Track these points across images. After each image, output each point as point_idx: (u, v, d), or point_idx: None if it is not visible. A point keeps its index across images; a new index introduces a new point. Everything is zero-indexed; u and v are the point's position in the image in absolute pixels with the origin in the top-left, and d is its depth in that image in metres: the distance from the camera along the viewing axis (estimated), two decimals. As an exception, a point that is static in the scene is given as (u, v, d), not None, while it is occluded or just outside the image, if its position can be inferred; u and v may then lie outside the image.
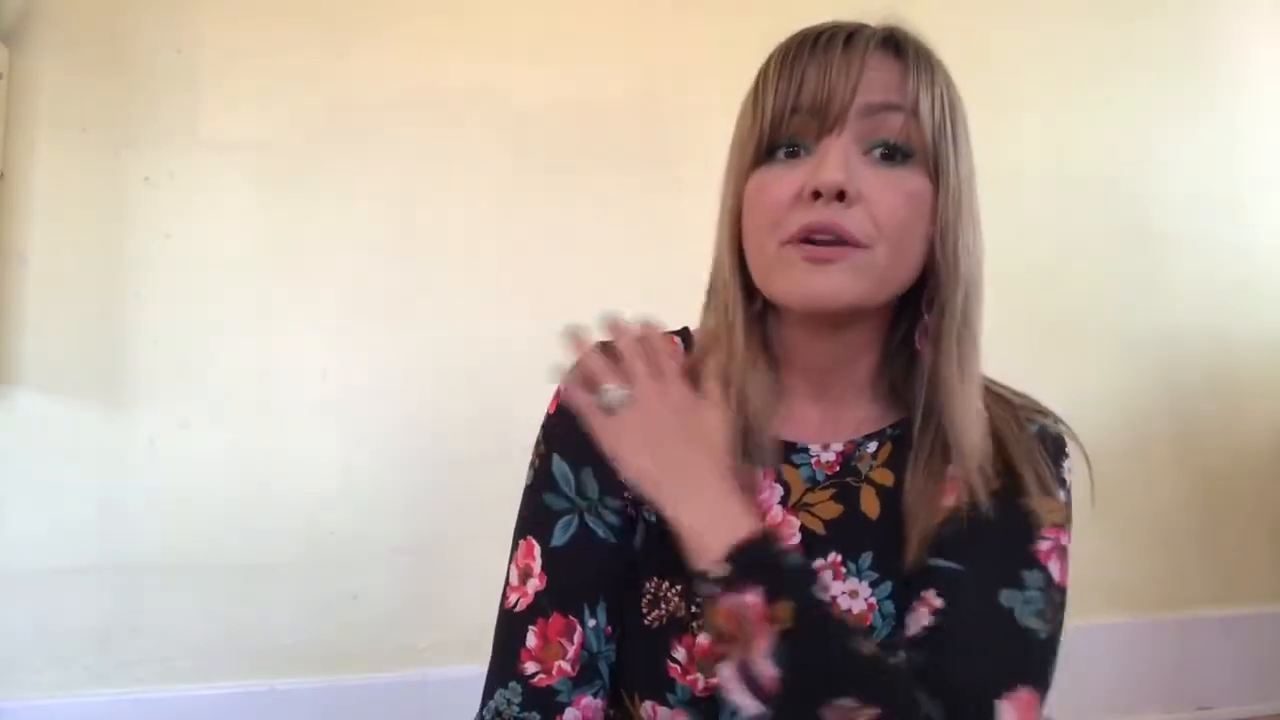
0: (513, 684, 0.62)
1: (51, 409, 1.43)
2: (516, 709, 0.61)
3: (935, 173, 0.59)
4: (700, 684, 0.61)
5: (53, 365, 1.44)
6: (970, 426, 0.58)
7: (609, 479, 0.63)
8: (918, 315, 0.62)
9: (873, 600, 0.60)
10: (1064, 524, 0.59)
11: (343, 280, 1.52)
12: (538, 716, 0.61)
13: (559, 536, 0.63)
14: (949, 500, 0.59)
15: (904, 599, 0.59)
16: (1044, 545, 0.57)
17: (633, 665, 0.63)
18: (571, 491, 0.64)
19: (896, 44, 0.60)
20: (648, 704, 0.62)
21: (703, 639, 0.61)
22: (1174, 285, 1.76)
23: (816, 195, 0.55)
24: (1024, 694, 0.52)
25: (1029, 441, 0.61)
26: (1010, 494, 0.58)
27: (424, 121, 1.54)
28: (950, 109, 0.60)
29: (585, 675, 0.62)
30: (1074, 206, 1.74)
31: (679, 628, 0.62)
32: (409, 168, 1.54)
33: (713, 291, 0.66)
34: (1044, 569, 0.57)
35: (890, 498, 0.61)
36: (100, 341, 1.45)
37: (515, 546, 0.65)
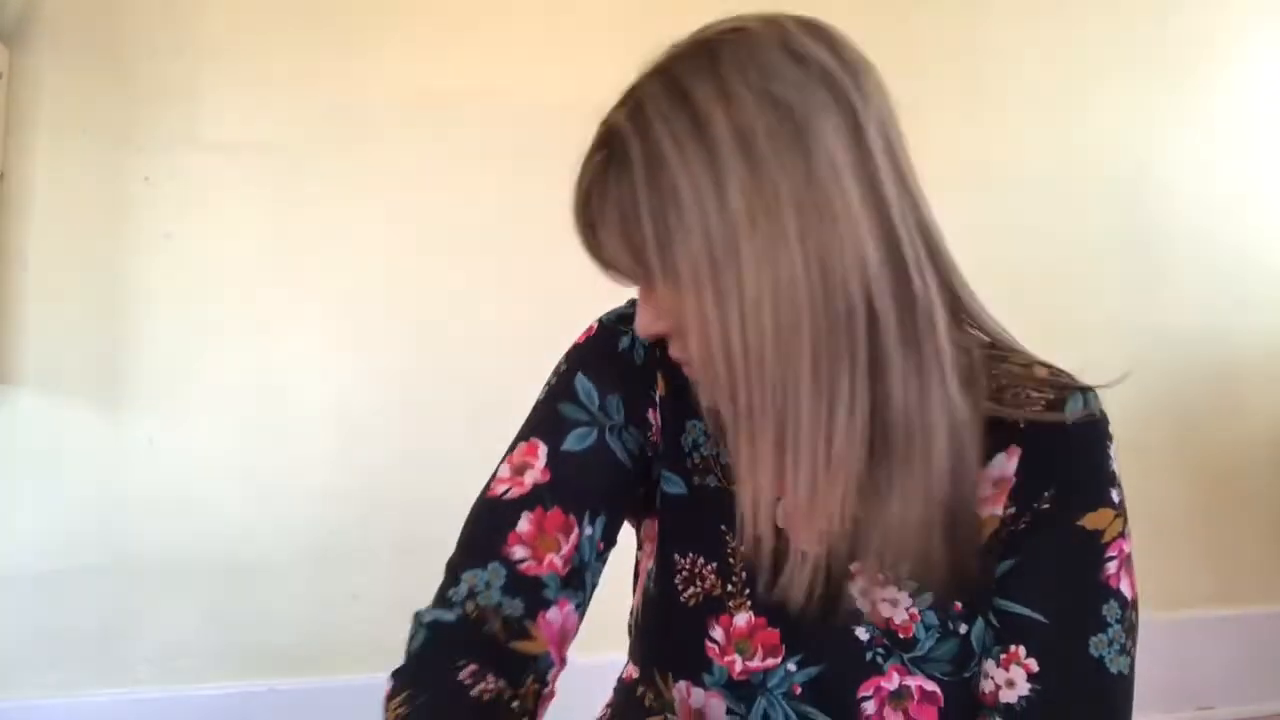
0: (494, 565, 0.56)
1: (51, 409, 1.43)
2: (498, 592, 0.55)
3: (687, 283, 0.52)
4: (738, 666, 0.59)
5: (53, 365, 1.44)
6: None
7: (637, 414, 0.63)
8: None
9: (914, 611, 0.58)
10: (1123, 531, 0.57)
11: (343, 280, 1.52)
12: (520, 605, 0.55)
13: (572, 443, 0.61)
14: (994, 508, 0.57)
15: (947, 612, 0.58)
16: (1111, 567, 0.56)
17: (667, 643, 0.62)
18: (594, 407, 0.62)
19: (608, 165, 0.54)
20: (682, 684, 0.61)
21: (739, 619, 0.60)
22: (1174, 285, 1.76)
23: None
24: None
25: (1072, 441, 0.57)
26: (1065, 514, 0.56)
27: (424, 121, 1.54)
28: (650, 203, 0.51)
29: (573, 580, 0.58)
30: (1074, 206, 1.74)
31: (717, 607, 0.60)
32: (409, 167, 1.54)
33: None
34: (1117, 594, 0.56)
35: None
36: (100, 341, 1.45)
37: (512, 447, 0.63)
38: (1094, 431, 0.58)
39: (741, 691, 0.59)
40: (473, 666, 0.51)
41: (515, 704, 0.51)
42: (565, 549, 0.57)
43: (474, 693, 0.50)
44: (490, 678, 0.51)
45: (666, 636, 0.62)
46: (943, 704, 0.57)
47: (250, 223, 1.50)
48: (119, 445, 1.44)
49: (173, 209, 1.48)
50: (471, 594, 0.55)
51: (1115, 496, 0.57)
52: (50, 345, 1.44)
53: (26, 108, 1.45)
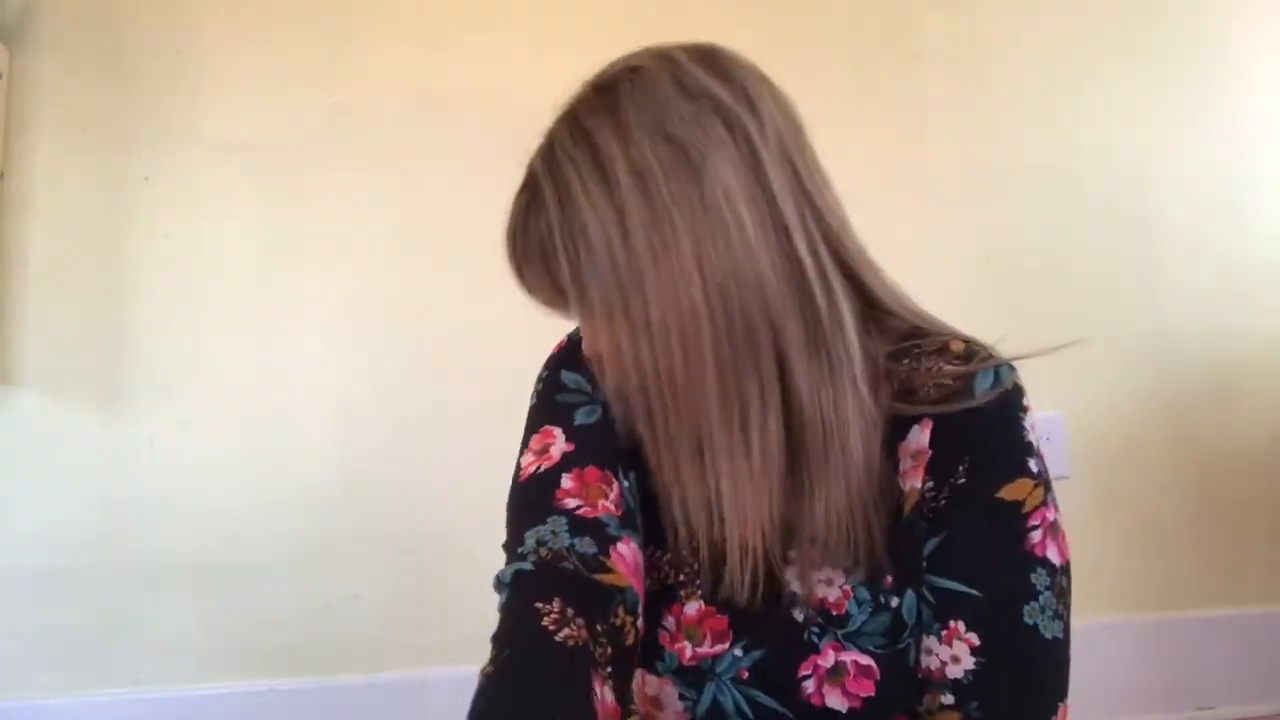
0: (553, 518, 0.58)
1: (51, 409, 1.43)
2: (565, 535, 0.56)
3: (598, 319, 0.59)
4: (688, 652, 0.62)
5: (53, 365, 1.44)
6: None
7: None
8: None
9: (846, 588, 0.60)
10: (1045, 499, 0.58)
11: (343, 279, 1.52)
12: (591, 542, 0.56)
13: (582, 418, 0.64)
14: (914, 481, 0.59)
15: (878, 587, 0.60)
16: (1035, 536, 0.58)
17: None
18: (588, 390, 0.66)
19: (529, 208, 0.61)
20: (638, 672, 0.63)
21: (690, 608, 0.62)
22: (1174, 285, 1.76)
23: None
24: (1061, 708, 0.57)
25: (985, 415, 0.58)
26: (982, 487, 0.58)
27: (424, 121, 1.54)
28: (561, 230, 0.57)
29: (629, 521, 0.60)
30: (1074, 207, 1.74)
31: (669, 595, 0.63)
32: (409, 167, 1.54)
33: None
34: (1043, 561, 0.57)
35: None
36: (100, 341, 1.45)
37: (525, 444, 0.65)
38: (1005, 404, 0.59)
39: (692, 677, 0.61)
40: (556, 608, 0.52)
41: (599, 650, 0.52)
42: (612, 495, 0.60)
43: (559, 638, 0.51)
44: (575, 621, 0.52)
45: None
46: (878, 676, 0.59)
47: (250, 223, 1.50)
48: (119, 445, 1.44)
49: (173, 209, 1.48)
50: (541, 543, 0.56)
51: (1034, 466, 0.59)
52: (50, 345, 1.44)
53: (26, 108, 1.45)
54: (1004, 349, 0.63)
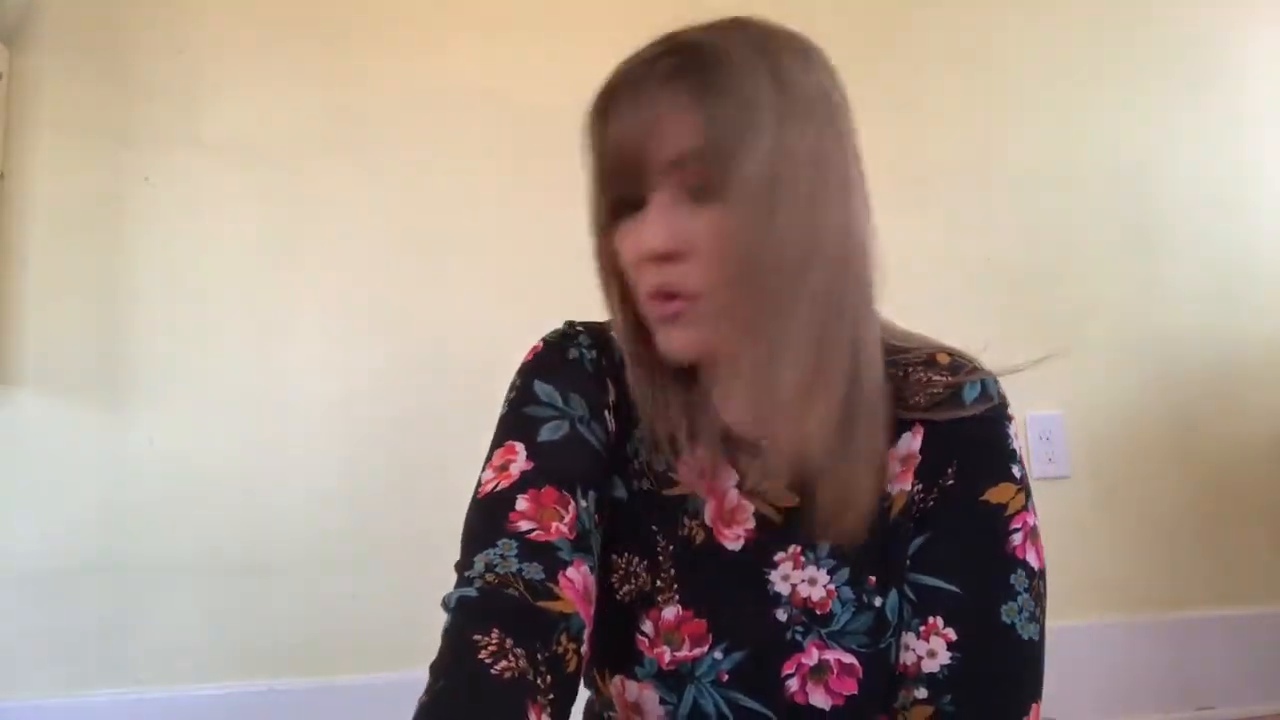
0: (503, 541, 0.56)
1: (51, 409, 1.43)
2: (514, 560, 0.55)
3: (741, 196, 0.56)
4: (667, 657, 0.62)
5: (53, 365, 1.44)
6: (793, 427, 0.58)
7: (597, 409, 0.65)
8: None
9: (831, 587, 0.61)
10: (1026, 504, 0.60)
11: (342, 280, 1.52)
12: (539, 567, 0.55)
13: (547, 434, 0.63)
14: (903, 484, 0.61)
15: (862, 586, 0.61)
16: (1016, 539, 0.59)
17: (605, 640, 0.63)
18: (559, 404, 0.65)
19: (689, 71, 0.56)
20: (617, 679, 0.63)
21: (667, 613, 0.62)
22: (1174, 285, 1.76)
23: None
24: (1034, 708, 0.57)
25: (971, 422, 0.61)
26: (968, 490, 0.60)
27: (424, 121, 1.54)
28: (740, 121, 0.55)
29: (581, 544, 0.59)
30: (1074, 206, 1.74)
31: (647, 602, 0.63)
32: (409, 167, 1.54)
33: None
34: (1023, 564, 0.59)
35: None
36: (100, 341, 1.45)
37: (489, 458, 0.64)
38: (991, 413, 0.62)
39: (671, 681, 0.61)
40: (495, 640, 0.51)
41: (540, 679, 0.51)
42: (568, 518, 0.59)
43: (495, 670, 0.50)
44: (513, 653, 0.51)
45: (603, 634, 0.63)
46: (861, 675, 0.59)
47: (250, 223, 1.50)
48: (119, 445, 1.44)
49: (173, 209, 1.48)
50: (489, 568, 0.55)
51: (1016, 472, 0.61)
52: (50, 345, 1.44)
53: (26, 108, 1.45)
54: (987, 358, 0.65)
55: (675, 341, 0.60)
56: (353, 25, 1.54)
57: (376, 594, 1.48)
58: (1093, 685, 1.61)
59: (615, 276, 0.63)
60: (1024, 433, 1.62)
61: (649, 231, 0.57)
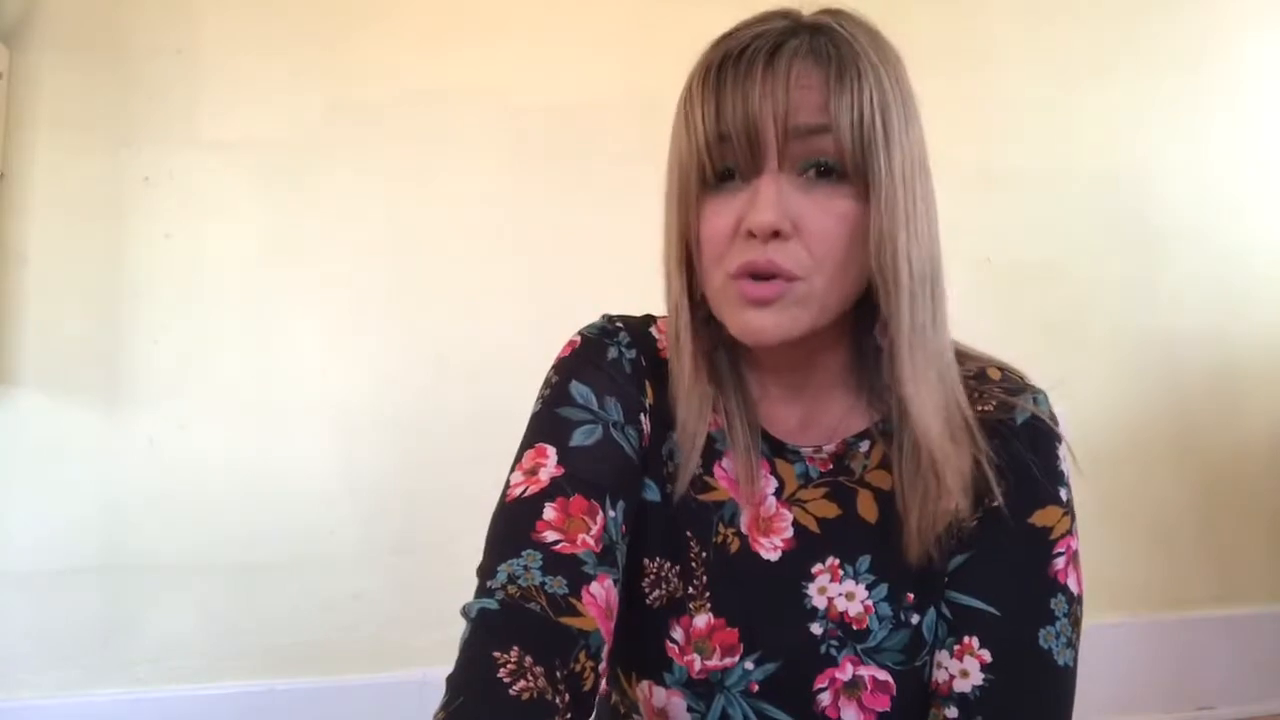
0: (528, 551, 0.55)
1: (51, 409, 1.43)
2: (538, 573, 0.54)
3: (867, 184, 0.56)
4: (697, 665, 0.61)
5: (53, 365, 1.44)
6: (930, 430, 0.57)
7: (633, 417, 0.63)
8: (879, 310, 0.60)
9: (869, 603, 0.60)
10: (1071, 529, 0.59)
11: (342, 279, 1.52)
12: (564, 581, 0.54)
13: (580, 439, 0.61)
14: (948, 503, 0.58)
15: (900, 603, 0.60)
16: (1059, 563, 0.58)
17: (632, 645, 0.63)
18: (594, 407, 0.63)
19: (824, 49, 0.56)
20: (645, 684, 0.62)
21: (699, 621, 0.61)
22: (1174, 285, 1.76)
23: (753, 234, 0.55)
24: None
25: (1022, 441, 0.60)
26: (1015, 511, 0.58)
27: (423, 121, 1.54)
28: (882, 110, 0.56)
29: (607, 557, 0.58)
30: (1074, 206, 1.74)
31: (678, 608, 0.62)
32: (408, 167, 1.54)
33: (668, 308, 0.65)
34: (1064, 589, 0.58)
35: (887, 501, 0.61)
36: (100, 341, 1.45)
37: (518, 459, 0.62)
38: (1043, 431, 0.60)
39: (701, 690, 0.61)
40: (514, 658, 0.51)
41: (558, 698, 0.51)
42: (595, 529, 0.57)
43: (513, 691, 0.49)
44: (531, 672, 0.50)
45: (631, 638, 0.62)
46: (895, 693, 0.58)
47: (250, 222, 1.50)
48: (119, 445, 1.44)
49: (173, 209, 1.48)
50: (511, 579, 0.54)
51: (1064, 495, 0.60)
52: (50, 345, 1.44)
53: (26, 108, 1.45)
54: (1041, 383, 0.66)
55: (764, 322, 0.56)
56: (353, 25, 1.54)
57: (376, 594, 1.48)
58: (1093, 685, 1.61)
59: (687, 256, 0.61)
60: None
61: (762, 205, 0.55)
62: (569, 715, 0.51)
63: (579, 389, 0.63)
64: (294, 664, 1.45)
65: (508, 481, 0.61)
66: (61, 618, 1.41)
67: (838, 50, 0.56)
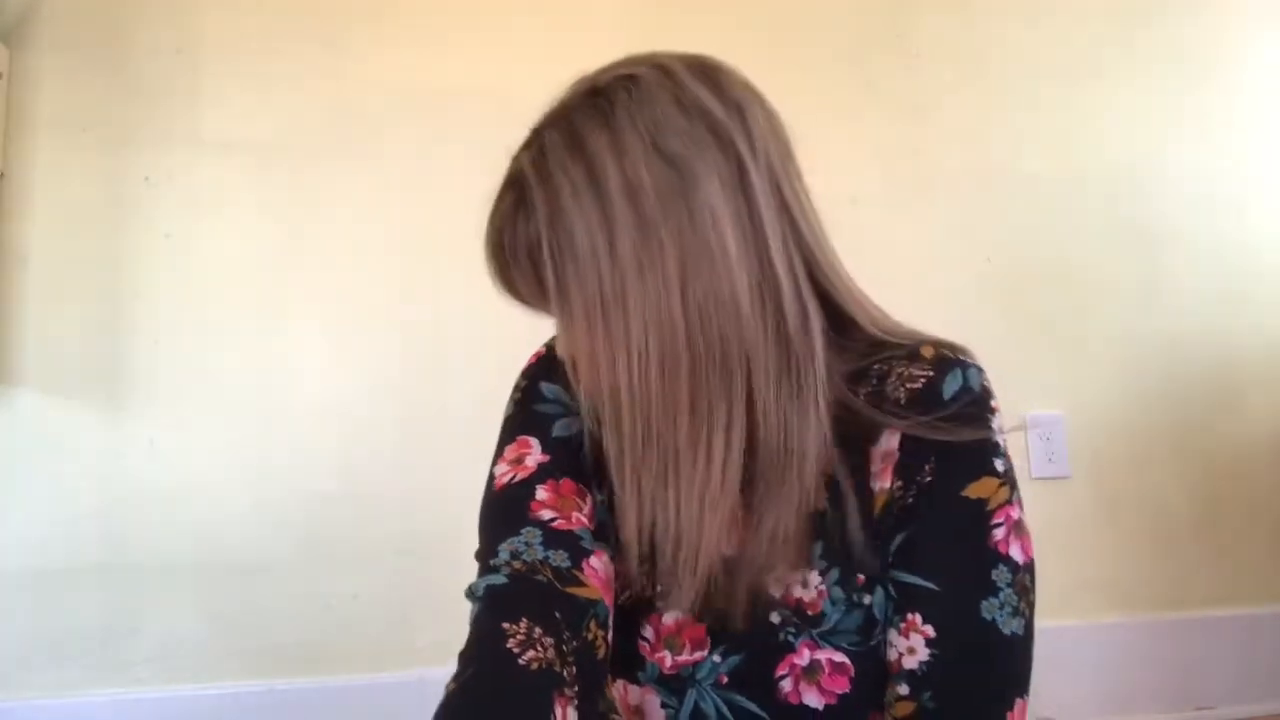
0: (527, 529, 0.57)
1: (51, 409, 1.43)
2: (540, 548, 0.56)
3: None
4: (668, 661, 0.62)
5: (53, 365, 1.44)
6: (806, 456, 0.58)
7: None
8: None
9: (822, 588, 0.61)
10: (1010, 498, 0.59)
11: (343, 279, 1.52)
12: (565, 555, 0.56)
13: (560, 430, 0.63)
14: (884, 483, 0.60)
15: (851, 585, 0.61)
16: (999, 534, 0.58)
17: None
18: (566, 401, 0.65)
19: (516, 204, 0.61)
20: (619, 683, 0.64)
21: (668, 618, 0.63)
22: (1174, 285, 1.76)
23: None
24: (1018, 703, 0.57)
25: (951, 415, 0.59)
26: (948, 486, 0.59)
27: (424, 121, 1.54)
28: (559, 249, 0.58)
29: (601, 535, 0.60)
30: (1074, 207, 1.74)
31: (647, 607, 0.64)
32: (409, 167, 1.54)
33: None
34: (1006, 559, 0.58)
35: (834, 487, 0.62)
36: (100, 341, 1.45)
37: (499, 453, 0.64)
38: (971, 404, 0.60)
39: (673, 685, 0.62)
40: (523, 629, 0.52)
41: (566, 670, 0.52)
42: (586, 509, 0.60)
43: (523, 661, 0.50)
44: (541, 643, 0.52)
45: None
46: (853, 674, 0.60)
47: (250, 223, 1.50)
48: (119, 445, 1.44)
49: (173, 209, 1.48)
50: (515, 555, 0.56)
51: (999, 465, 0.60)
52: (50, 345, 1.44)
53: (26, 108, 1.45)
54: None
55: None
56: (353, 25, 1.54)
57: (376, 594, 1.48)
58: (1093, 685, 1.61)
59: None
60: (1024, 433, 1.62)
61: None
62: (575, 688, 0.52)
63: (549, 388, 0.67)
64: (294, 664, 1.45)
65: (492, 474, 0.64)
66: (61, 618, 1.41)
67: (520, 207, 0.64)
